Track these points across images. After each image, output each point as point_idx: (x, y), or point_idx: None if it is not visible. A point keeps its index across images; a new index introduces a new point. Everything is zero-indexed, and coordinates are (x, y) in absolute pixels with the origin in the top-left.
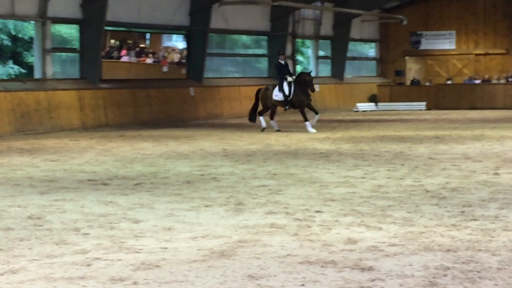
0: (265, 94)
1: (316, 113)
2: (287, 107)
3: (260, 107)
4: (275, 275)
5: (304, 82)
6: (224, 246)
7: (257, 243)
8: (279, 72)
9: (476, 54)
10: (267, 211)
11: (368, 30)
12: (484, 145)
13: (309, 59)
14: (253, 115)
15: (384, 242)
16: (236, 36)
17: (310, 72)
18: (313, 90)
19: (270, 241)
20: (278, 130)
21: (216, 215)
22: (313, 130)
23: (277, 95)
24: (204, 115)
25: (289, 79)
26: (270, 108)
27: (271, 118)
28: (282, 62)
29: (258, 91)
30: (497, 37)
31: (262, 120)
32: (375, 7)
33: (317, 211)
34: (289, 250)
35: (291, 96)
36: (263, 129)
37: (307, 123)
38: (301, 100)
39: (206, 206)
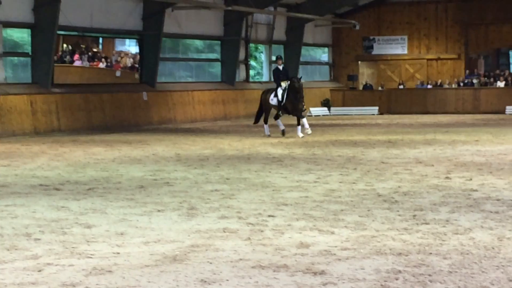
0: (265, 97)
1: (298, 123)
2: (279, 112)
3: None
4: (227, 280)
5: (293, 88)
6: (176, 250)
7: (209, 248)
8: (276, 78)
9: (428, 59)
10: (220, 216)
11: (321, 35)
12: (435, 149)
13: (262, 63)
14: (257, 118)
15: (336, 246)
16: (189, 41)
17: (300, 78)
18: (301, 97)
19: (223, 245)
20: (268, 136)
21: (169, 220)
22: (301, 134)
23: (272, 99)
24: (157, 119)
25: (283, 84)
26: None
27: (265, 122)
28: (280, 67)
29: (262, 94)
30: (449, 42)
31: (266, 128)
32: (328, 12)
33: (269, 216)
34: (242, 255)
35: (283, 101)
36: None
37: (298, 127)
38: (293, 105)
39: (159, 211)
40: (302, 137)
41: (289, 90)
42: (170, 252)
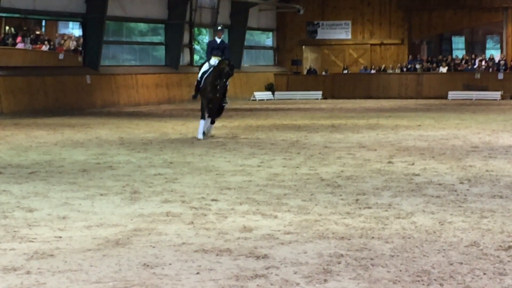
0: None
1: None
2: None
3: None
4: (170, 264)
5: (218, 72)
6: (119, 235)
7: (152, 232)
8: (208, 51)
9: (372, 44)
10: (163, 200)
11: (265, 19)
12: (378, 134)
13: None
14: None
15: (279, 230)
16: (133, 24)
17: (233, 65)
18: (221, 88)
19: (166, 229)
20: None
21: (112, 204)
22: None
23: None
24: (100, 103)
25: (212, 61)
26: None
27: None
28: (218, 40)
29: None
30: (392, 27)
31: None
32: None
33: (213, 200)
34: (185, 239)
35: (201, 83)
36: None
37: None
38: (210, 93)
39: (102, 194)
40: (203, 137)
41: (213, 72)
42: (113, 236)
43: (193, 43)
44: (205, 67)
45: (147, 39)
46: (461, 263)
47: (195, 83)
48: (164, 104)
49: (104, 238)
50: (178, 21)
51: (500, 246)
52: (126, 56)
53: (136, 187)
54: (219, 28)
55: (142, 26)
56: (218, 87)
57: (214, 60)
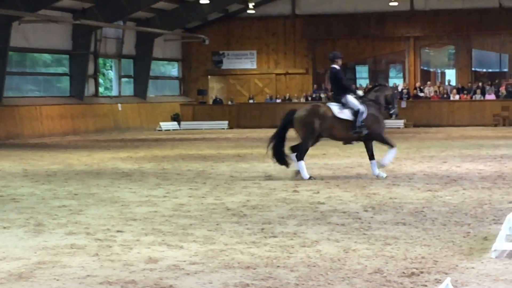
0: (310, 113)
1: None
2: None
3: None
4: None
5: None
6: (22, 268)
7: (56, 265)
8: (345, 80)
9: (277, 74)
10: (68, 232)
11: (170, 49)
12: None
13: (111, 80)
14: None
15: (185, 261)
16: (37, 55)
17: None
18: None
19: (70, 262)
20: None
21: (15, 237)
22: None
23: (342, 112)
24: (4, 135)
25: (360, 92)
26: None
27: (301, 157)
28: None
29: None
30: (297, 57)
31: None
32: (177, 26)
33: (118, 231)
34: (89, 271)
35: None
36: None
37: None
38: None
39: (5, 227)
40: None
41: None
42: (16, 269)
43: (98, 74)
44: (351, 100)
45: (52, 70)
46: None
47: None
48: (69, 135)
49: (7, 272)
50: (83, 52)
51: (403, 272)
52: (30, 87)
53: (40, 219)
54: (336, 54)
55: (46, 56)
56: None
57: (360, 92)
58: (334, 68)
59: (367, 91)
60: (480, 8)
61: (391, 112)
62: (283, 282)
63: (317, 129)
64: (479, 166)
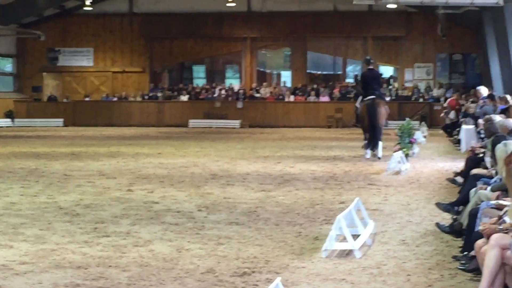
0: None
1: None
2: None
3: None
4: None
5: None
6: None
7: None
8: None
9: (113, 72)
10: None
11: (4, 45)
12: (119, 161)
13: None
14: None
15: (14, 261)
16: None
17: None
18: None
19: None
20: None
21: None
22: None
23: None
24: None
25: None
26: None
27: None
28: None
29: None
30: (134, 55)
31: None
32: (12, 22)
33: None
34: None
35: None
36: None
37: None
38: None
39: None
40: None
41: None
42: None
43: None
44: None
45: None
46: None
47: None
48: None
49: None
50: None
51: (235, 272)
52: None
53: None
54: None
55: None
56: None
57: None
58: (376, 70)
59: None
60: (316, 11)
61: None
62: (115, 282)
63: None
64: (312, 167)
